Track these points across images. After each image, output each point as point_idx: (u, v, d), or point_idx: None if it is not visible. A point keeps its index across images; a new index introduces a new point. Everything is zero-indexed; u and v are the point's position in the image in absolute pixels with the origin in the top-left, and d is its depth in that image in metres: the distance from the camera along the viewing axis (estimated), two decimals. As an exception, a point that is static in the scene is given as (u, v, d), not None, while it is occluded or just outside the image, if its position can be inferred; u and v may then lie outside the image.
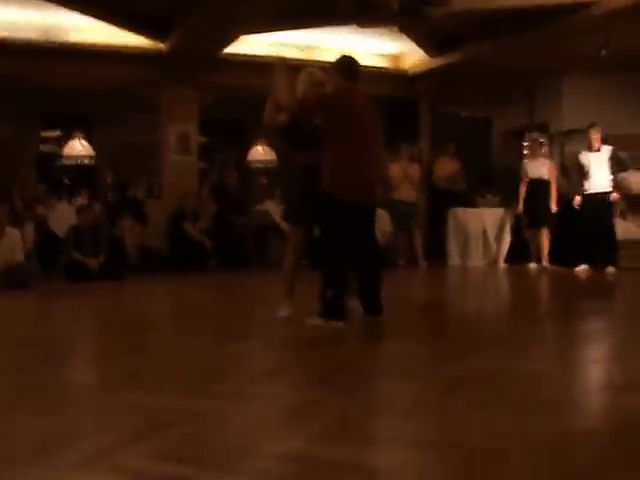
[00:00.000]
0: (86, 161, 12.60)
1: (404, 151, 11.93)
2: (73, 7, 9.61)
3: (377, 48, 12.11)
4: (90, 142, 12.73)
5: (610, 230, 10.51)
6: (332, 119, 5.28)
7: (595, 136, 10.56)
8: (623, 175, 10.58)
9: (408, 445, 2.69)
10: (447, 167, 12.02)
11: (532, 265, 11.33)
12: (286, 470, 2.40)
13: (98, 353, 4.83)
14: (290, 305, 5.82)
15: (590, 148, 10.65)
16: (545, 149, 12.00)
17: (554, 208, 11.22)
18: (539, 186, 11.25)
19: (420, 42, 11.44)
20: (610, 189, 10.47)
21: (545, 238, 11.28)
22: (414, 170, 12.01)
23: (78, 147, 12.43)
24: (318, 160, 5.30)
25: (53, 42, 10.47)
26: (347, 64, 5.55)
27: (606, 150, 10.55)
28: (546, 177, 11.27)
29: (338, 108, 5.29)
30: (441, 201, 12.37)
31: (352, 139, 5.27)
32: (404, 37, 11.06)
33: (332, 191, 5.24)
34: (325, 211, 5.38)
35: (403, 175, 11.82)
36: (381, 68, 12.40)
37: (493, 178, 12.80)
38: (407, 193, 11.85)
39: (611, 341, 5.13)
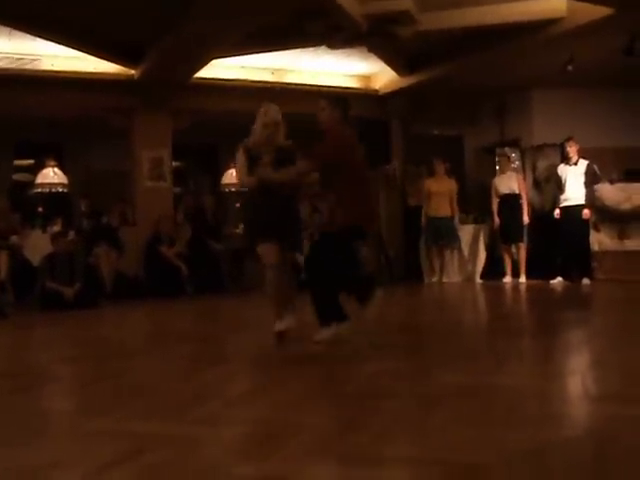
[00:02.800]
0: (60, 189, 12.56)
1: (439, 166, 11.98)
2: (45, 35, 9.60)
3: (348, 69, 12.18)
4: (63, 170, 12.69)
5: (585, 242, 10.62)
6: (335, 168, 5.50)
7: (572, 149, 10.70)
8: (595, 187, 10.70)
9: (388, 463, 2.69)
10: (443, 186, 12.02)
11: (507, 280, 11.40)
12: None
13: (75, 381, 4.80)
14: (283, 320, 5.76)
15: (568, 161, 10.78)
16: (515, 164, 12.11)
17: (526, 221, 11.33)
18: (510, 201, 11.37)
19: (390, 62, 11.52)
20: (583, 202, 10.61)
21: (522, 252, 11.36)
22: (451, 185, 12.03)
23: (51, 175, 12.38)
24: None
25: (25, 70, 10.46)
26: (344, 102, 5.79)
27: (582, 164, 10.68)
28: (516, 191, 11.38)
29: (338, 158, 5.49)
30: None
31: (353, 175, 5.54)
32: (374, 57, 11.14)
33: (355, 222, 5.52)
34: (338, 244, 5.58)
35: (438, 190, 11.86)
36: (352, 89, 12.47)
37: (466, 195, 12.87)
38: (442, 208, 11.87)
39: (588, 353, 5.17)
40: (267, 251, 5.81)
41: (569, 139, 10.80)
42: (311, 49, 10.75)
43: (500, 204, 11.49)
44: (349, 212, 5.46)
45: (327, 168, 5.54)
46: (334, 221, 5.55)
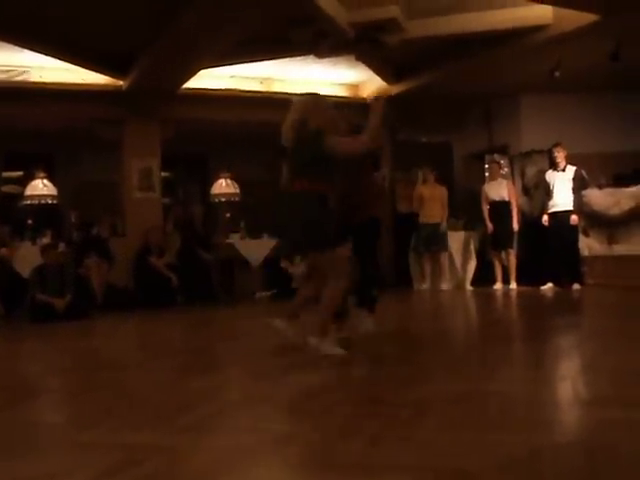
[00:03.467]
0: (49, 201, 12.54)
1: (428, 174, 12.05)
2: (33, 47, 9.61)
3: (335, 77, 12.21)
4: (53, 181, 12.67)
5: (574, 247, 10.67)
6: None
7: (559, 155, 10.75)
8: (584, 193, 10.75)
9: (378, 470, 2.69)
10: (435, 192, 12.04)
11: (498, 286, 11.43)
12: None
13: (66, 392, 4.78)
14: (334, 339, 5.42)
15: (555, 167, 10.83)
16: (504, 170, 12.16)
17: (516, 227, 11.37)
18: (500, 208, 11.41)
19: (378, 70, 11.57)
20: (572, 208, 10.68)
21: (512, 259, 11.39)
22: (442, 191, 12.08)
23: (41, 187, 12.36)
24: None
25: (13, 82, 10.46)
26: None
27: (571, 170, 10.74)
28: (506, 198, 11.42)
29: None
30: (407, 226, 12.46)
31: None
32: (362, 66, 11.17)
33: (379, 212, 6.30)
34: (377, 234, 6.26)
35: (431, 196, 11.91)
36: (340, 97, 12.50)
37: (456, 202, 12.90)
38: (434, 214, 11.91)
39: (578, 358, 5.18)
40: (343, 257, 5.48)
41: (556, 145, 10.86)
42: (299, 58, 10.77)
43: (490, 211, 11.54)
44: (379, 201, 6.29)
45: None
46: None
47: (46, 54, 9.89)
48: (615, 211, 10.34)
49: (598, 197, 10.70)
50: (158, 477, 2.66)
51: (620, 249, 10.34)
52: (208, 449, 3.02)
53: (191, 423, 3.45)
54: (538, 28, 9.42)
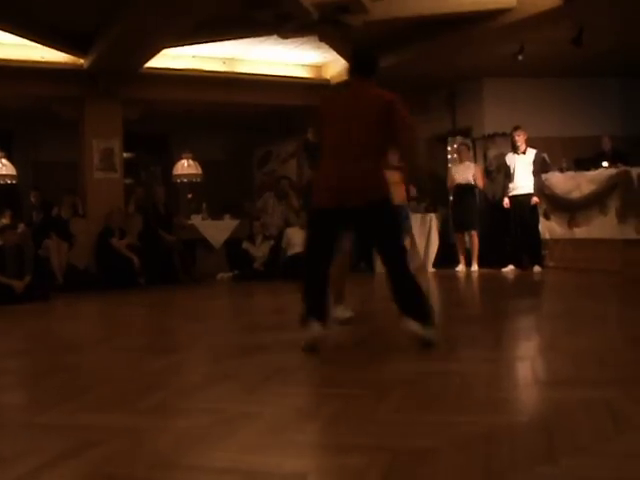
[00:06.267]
0: (8, 181, 12.38)
1: (392, 156, 11.94)
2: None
3: (299, 58, 12.14)
4: (11, 161, 12.50)
5: (535, 230, 10.77)
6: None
7: (519, 138, 10.83)
8: (545, 176, 10.83)
9: (336, 450, 2.70)
10: (396, 175, 12.00)
11: (460, 268, 11.49)
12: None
13: (23, 374, 4.73)
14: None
15: (516, 150, 10.91)
16: (470, 153, 12.19)
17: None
18: (465, 190, 11.47)
19: (341, 51, 11.51)
20: (532, 191, 10.77)
21: (474, 240, 11.46)
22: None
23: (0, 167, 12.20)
24: None
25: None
26: (354, 57, 5.39)
27: (531, 153, 10.82)
28: (472, 181, 11.48)
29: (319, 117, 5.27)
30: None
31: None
32: (325, 47, 11.11)
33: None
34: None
35: (392, 179, 11.83)
36: (303, 78, 12.45)
37: (418, 184, 12.92)
38: (398, 197, 11.82)
39: (538, 338, 5.23)
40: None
41: (516, 128, 10.93)
42: (262, 38, 10.68)
43: (455, 193, 11.60)
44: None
45: None
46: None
47: (4, 30, 9.70)
48: (576, 194, 10.43)
49: (559, 181, 10.78)
50: (116, 459, 2.64)
51: (580, 232, 10.43)
52: (167, 430, 3.00)
53: (151, 404, 3.43)
54: (502, 11, 9.41)
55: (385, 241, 4.95)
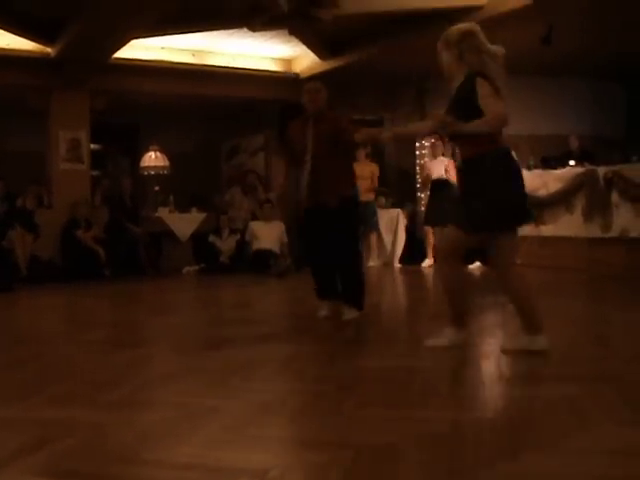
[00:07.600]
0: (-28, 170, 12.21)
1: (359, 153, 11.93)
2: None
3: (268, 52, 12.09)
4: (-24, 151, 12.34)
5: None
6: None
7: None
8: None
9: (298, 446, 2.70)
10: (366, 170, 12.02)
11: (426, 263, 11.52)
12: (171, 477, 2.38)
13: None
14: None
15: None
16: (445, 148, 12.21)
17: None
18: (439, 185, 11.47)
19: (311, 45, 11.48)
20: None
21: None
22: (372, 168, 12.02)
23: (-37, 156, 12.05)
24: None
25: None
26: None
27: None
28: (444, 176, 11.49)
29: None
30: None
31: None
32: (295, 40, 11.08)
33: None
34: None
35: (361, 174, 11.83)
36: (272, 72, 12.41)
37: (386, 179, 12.94)
38: (365, 193, 11.81)
39: (503, 336, 5.26)
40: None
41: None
42: (232, 31, 10.63)
43: (431, 188, 11.61)
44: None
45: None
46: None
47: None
48: (542, 192, 10.49)
49: (526, 179, 10.80)
50: (78, 454, 2.61)
51: (547, 230, 10.50)
52: (131, 424, 2.98)
53: (115, 398, 3.40)
54: (472, 9, 9.44)
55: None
